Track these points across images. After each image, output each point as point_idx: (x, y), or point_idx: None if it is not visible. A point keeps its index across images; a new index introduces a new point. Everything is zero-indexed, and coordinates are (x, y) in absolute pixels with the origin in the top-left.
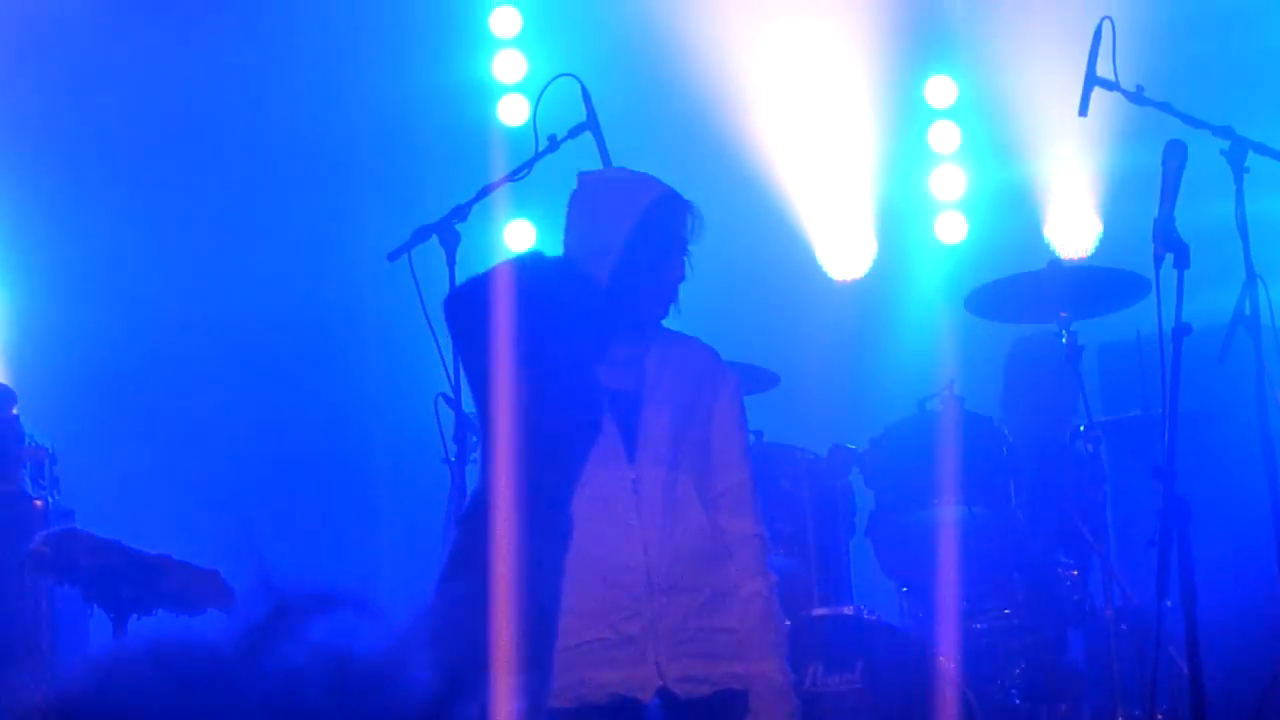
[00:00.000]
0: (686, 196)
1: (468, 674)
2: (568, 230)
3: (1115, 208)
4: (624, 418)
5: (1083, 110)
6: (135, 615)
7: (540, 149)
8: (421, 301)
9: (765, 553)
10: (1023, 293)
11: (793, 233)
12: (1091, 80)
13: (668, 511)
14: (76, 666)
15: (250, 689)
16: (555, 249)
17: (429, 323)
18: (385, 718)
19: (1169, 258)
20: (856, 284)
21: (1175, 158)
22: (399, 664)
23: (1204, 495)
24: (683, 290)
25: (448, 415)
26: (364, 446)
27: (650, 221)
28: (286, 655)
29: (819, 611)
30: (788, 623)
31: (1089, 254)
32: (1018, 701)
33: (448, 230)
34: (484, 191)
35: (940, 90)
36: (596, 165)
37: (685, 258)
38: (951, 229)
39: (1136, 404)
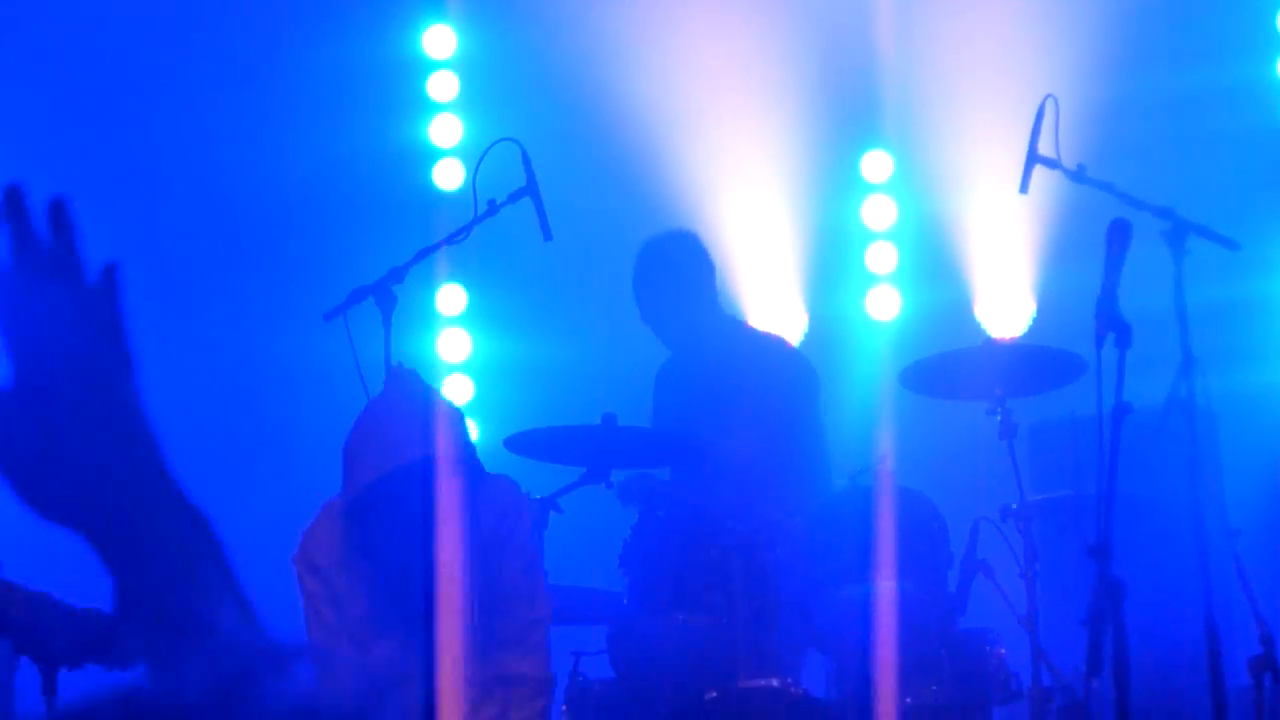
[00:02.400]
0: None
1: None
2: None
3: (1050, 286)
4: None
5: (1023, 188)
6: (65, 668)
7: (479, 213)
8: (356, 362)
9: None
10: (958, 369)
11: (726, 303)
12: (1033, 158)
13: None
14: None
15: None
16: (485, 312)
17: (363, 383)
18: None
19: (1110, 337)
20: None
21: (1120, 236)
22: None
23: (1133, 579)
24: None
25: None
26: (296, 509)
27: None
28: (256, 708)
29: (745, 684)
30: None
31: (1021, 333)
32: None
33: (384, 292)
34: (421, 254)
35: (876, 165)
36: (534, 229)
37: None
38: (884, 303)
39: (1068, 484)
